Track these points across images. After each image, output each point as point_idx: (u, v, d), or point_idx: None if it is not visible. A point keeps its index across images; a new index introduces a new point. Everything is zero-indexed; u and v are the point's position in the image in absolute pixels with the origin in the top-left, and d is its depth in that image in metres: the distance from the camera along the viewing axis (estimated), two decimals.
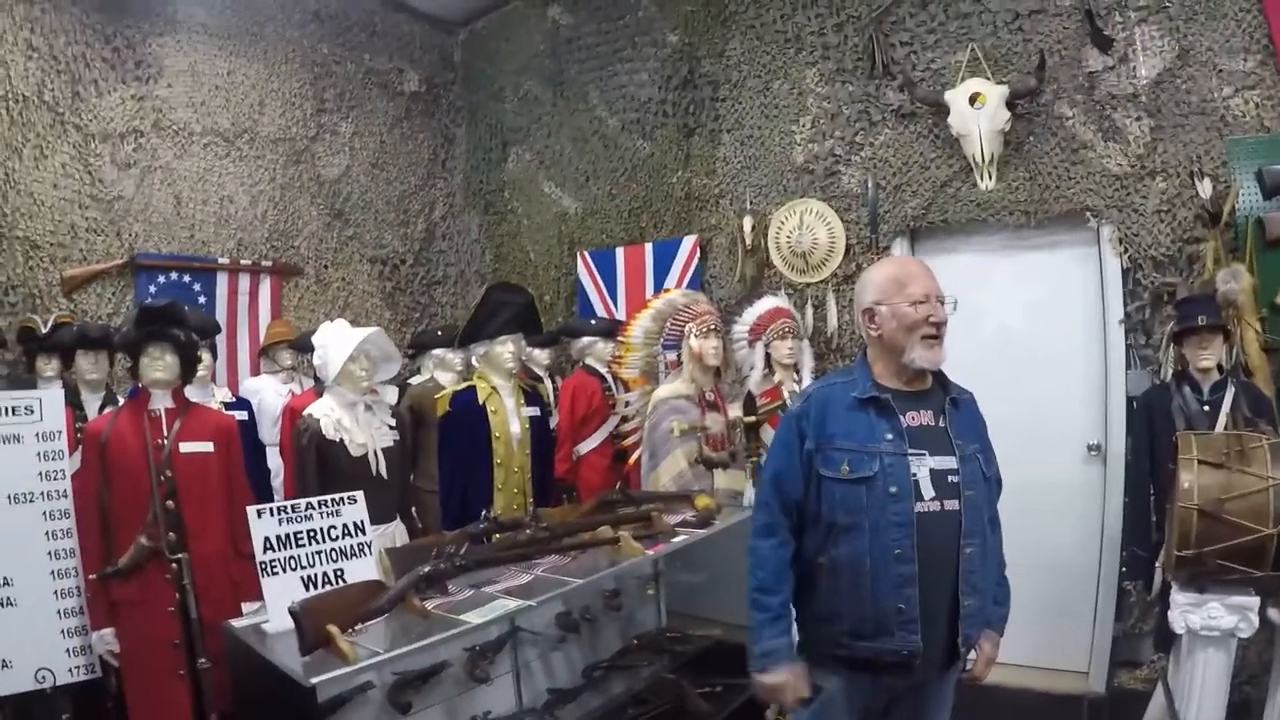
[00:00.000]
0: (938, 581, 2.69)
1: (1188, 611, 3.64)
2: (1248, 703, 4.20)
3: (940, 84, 5.67)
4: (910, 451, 2.70)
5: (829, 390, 2.87)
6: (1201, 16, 5.10)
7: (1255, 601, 3.57)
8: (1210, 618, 3.59)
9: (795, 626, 2.89)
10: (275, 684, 2.69)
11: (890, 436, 2.71)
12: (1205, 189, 4.91)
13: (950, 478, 2.73)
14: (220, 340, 6.45)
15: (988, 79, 5.45)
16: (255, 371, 6.85)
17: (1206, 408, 4.30)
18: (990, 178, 5.48)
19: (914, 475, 2.69)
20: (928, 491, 2.69)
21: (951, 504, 2.71)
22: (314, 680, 2.50)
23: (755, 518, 2.93)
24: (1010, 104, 5.34)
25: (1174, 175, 5.17)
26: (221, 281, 6.90)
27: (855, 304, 2.99)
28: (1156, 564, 4.39)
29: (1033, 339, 5.73)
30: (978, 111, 5.34)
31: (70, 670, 4.06)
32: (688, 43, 6.80)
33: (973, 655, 2.90)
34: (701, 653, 4.35)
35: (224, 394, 5.80)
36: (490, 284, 5.51)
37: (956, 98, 5.43)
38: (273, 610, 2.96)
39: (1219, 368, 4.37)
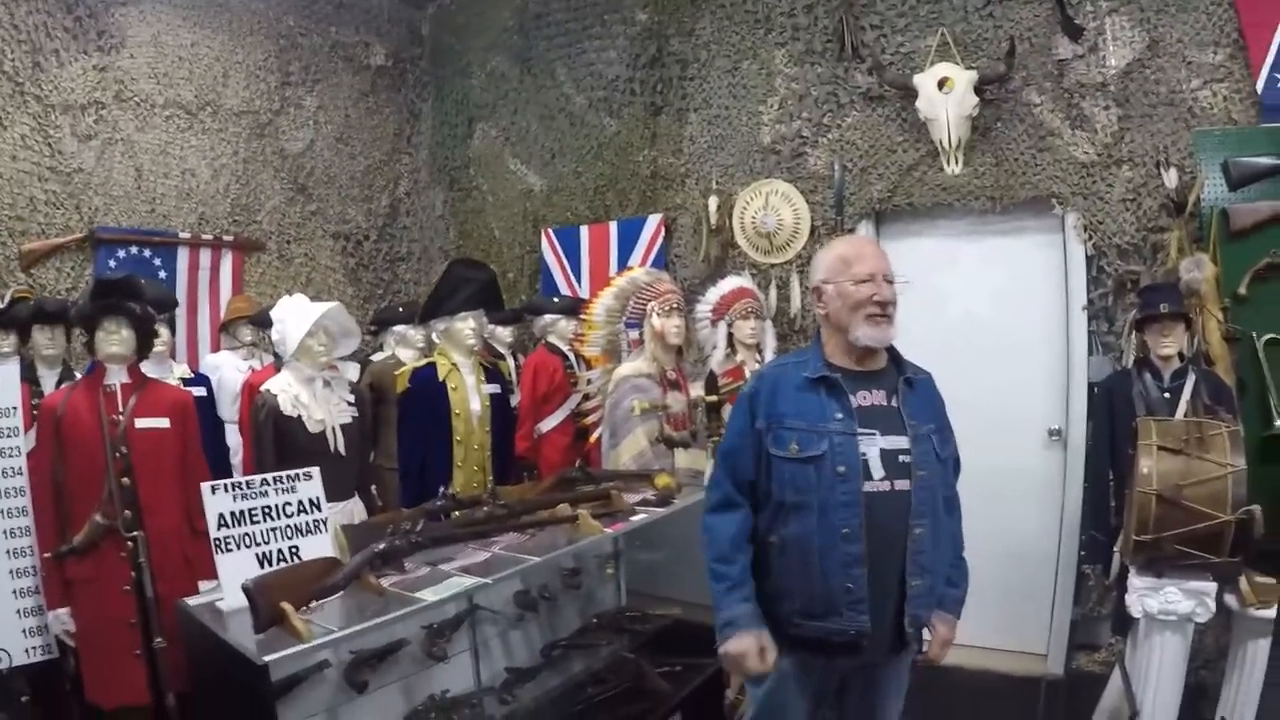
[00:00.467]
0: (887, 562, 2.70)
1: (1145, 596, 3.66)
2: (1203, 687, 4.25)
3: (909, 68, 5.67)
4: (860, 431, 2.71)
5: (781, 370, 2.90)
6: (1172, 8, 5.16)
7: (1212, 587, 3.60)
8: (1168, 602, 3.61)
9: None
10: (229, 663, 2.67)
11: (839, 416, 2.73)
12: (1171, 179, 4.98)
13: (901, 458, 2.74)
14: (180, 315, 6.45)
15: (957, 64, 5.46)
16: (215, 347, 6.75)
17: (1167, 395, 4.33)
18: (957, 162, 5.49)
19: (863, 455, 2.70)
20: (877, 471, 2.70)
21: (902, 484, 2.72)
22: (267, 659, 2.46)
23: (709, 495, 2.96)
24: (979, 90, 5.36)
25: (1140, 165, 5.23)
26: (182, 256, 6.80)
27: (809, 283, 3.00)
28: (1115, 548, 4.42)
29: (996, 324, 5.76)
30: (946, 96, 5.36)
31: (26, 651, 4.02)
32: (657, 21, 6.75)
33: (927, 637, 2.91)
34: (661, 632, 4.33)
35: (182, 370, 5.70)
36: (452, 260, 5.45)
37: (925, 82, 5.44)
38: (227, 588, 2.92)
39: (1180, 356, 4.40)
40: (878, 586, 2.68)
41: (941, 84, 5.37)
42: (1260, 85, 4.95)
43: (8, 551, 4.02)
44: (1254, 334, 4.67)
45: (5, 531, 4.02)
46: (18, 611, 4.01)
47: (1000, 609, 5.47)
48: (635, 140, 6.90)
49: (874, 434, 2.72)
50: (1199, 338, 4.60)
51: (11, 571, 4.02)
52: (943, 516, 2.84)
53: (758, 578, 2.84)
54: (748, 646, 2.72)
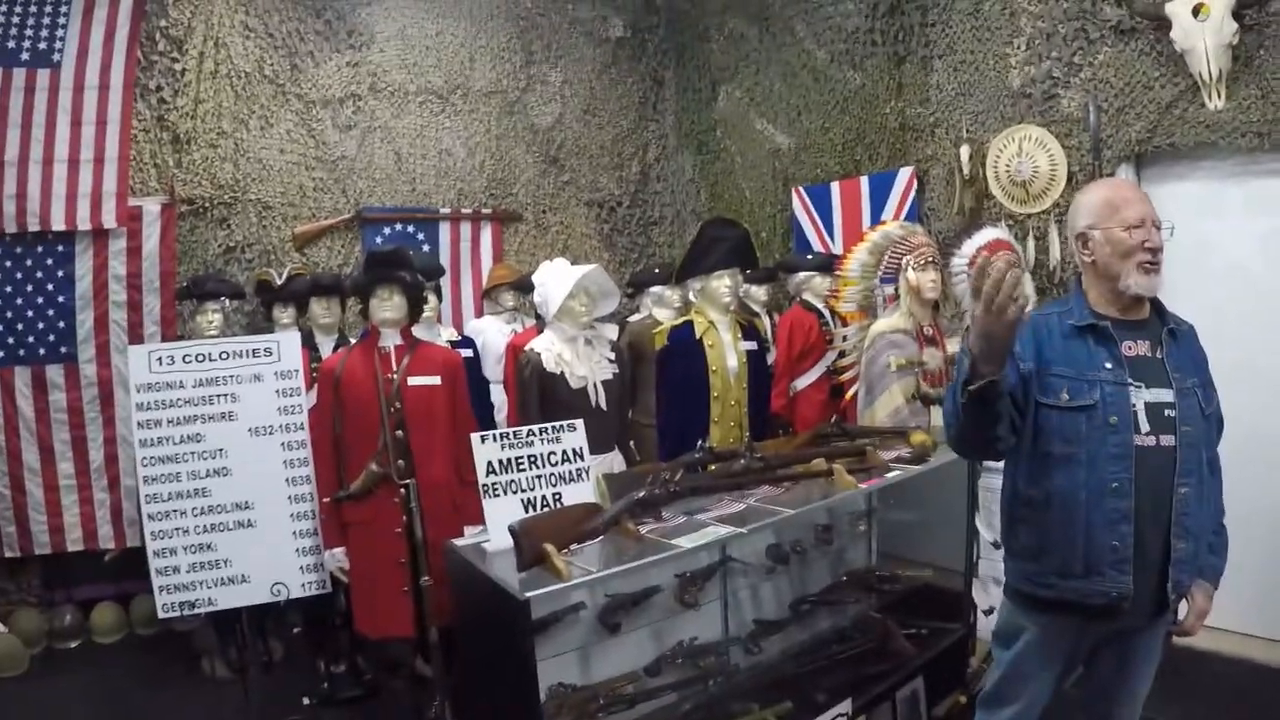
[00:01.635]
0: (1151, 521, 2.62)
1: None
2: None
3: None
4: (1129, 381, 2.64)
5: (1043, 318, 2.81)
6: None
7: None
8: None
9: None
10: (493, 599, 2.88)
11: (1109, 365, 2.66)
12: None
13: (1167, 412, 2.65)
14: (445, 283, 6.86)
15: None
16: (479, 313, 7.19)
17: None
18: (1220, 97, 5.09)
19: (1133, 405, 2.62)
20: (1143, 425, 2.62)
21: (1167, 440, 2.63)
22: (528, 594, 2.66)
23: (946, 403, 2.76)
24: (1237, 14, 4.91)
25: None
26: (444, 230, 7.38)
27: (1069, 229, 2.91)
28: None
29: (1268, 275, 5.26)
30: (1202, 24, 4.98)
31: (303, 585, 4.58)
32: None
33: (1183, 607, 2.83)
34: (909, 594, 4.35)
35: (450, 333, 6.13)
36: (705, 220, 5.55)
37: (1179, 10, 5.05)
38: (493, 530, 3.16)
39: None
40: (1141, 547, 2.62)
41: (1196, 11, 4.98)
42: None
43: (290, 497, 4.57)
44: None
45: (289, 480, 4.56)
46: (297, 550, 4.57)
47: (1264, 591, 5.00)
48: (880, 92, 6.81)
49: (1140, 386, 2.65)
50: None
51: (293, 515, 4.57)
52: (1207, 477, 2.75)
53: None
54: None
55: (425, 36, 7.27)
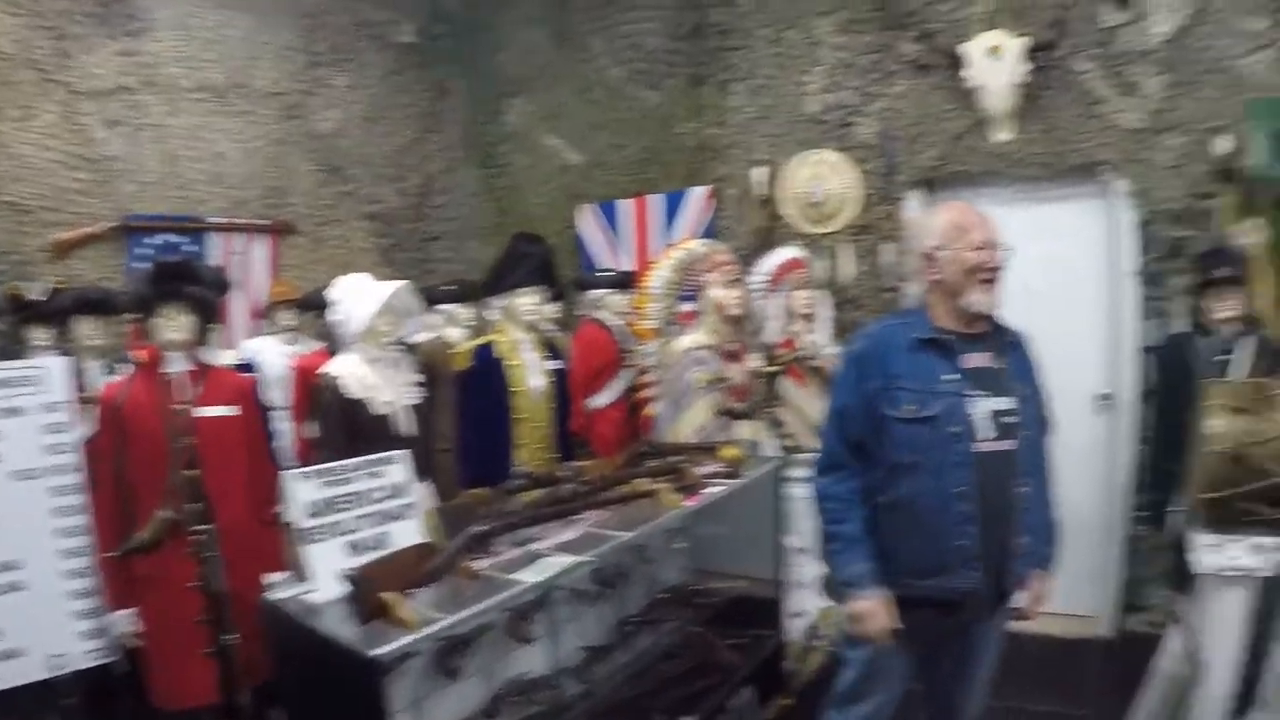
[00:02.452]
0: (994, 520, 2.82)
1: (1209, 552, 3.73)
2: (1256, 644, 4.30)
3: (957, 36, 5.65)
4: (970, 392, 2.79)
5: (888, 330, 2.98)
6: None
7: (1276, 541, 3.66)
8: (1232, 558, 3.69)
9: None
10: (330, 657, 2.63)
11: (951, 377, 2.83)
12: (1221, 146, 5.02)
13: (1007, 418, 2.85)
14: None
15: (1005, 32, 5.44)
16: (252, 334, 6.69)
17: (1227, 357, 4.40)
18: (1006, 131, 5.54)
19: (972, 415, 2.79)
20: (986, 431, 2.81)
21: (1008, 444, 2.84)
22: (377, 651, 2.44)
23: (819, 458, 3.02)
24: (1027, 57, 5.37)
25: (1188, 131, 5.24)
26: (215, 242, 6.75)
27: (913, 248, 3.05)
28: (1173, 509, 4.52)
29: (1046, 291, 5.67)
30: (995, 64, 5.38)
31: (85, 654, 3.83)
32: None
33: (1021, 595, 3.03)
34: (728, 605, 4.41)
35: (231, 356, 5.64)
36: (513, 234, 5.44)
37: (973, 50, 5.45)
38: (318, 579, 2.88)
39: (1237, 318, 4.45)
40: (987, 544, 2.79)
41: (990, 52, 5.39)
42: None
43: (63, 552, 3.79)
44: None
45: (60, 531, 3.80)
46: (74, 614, 3.81)
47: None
48: (678, 112, 6.87)
49: (981, 395, 2.82)
50: (1252, 301, 4.63)
51: (67, 572, 3.80)
52: (1042, 475, 3.01)
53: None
54: (873, 605, 2.82)
55: (206, 28, 6.71)
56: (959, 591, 2.82)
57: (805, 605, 5.40)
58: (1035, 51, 5.38)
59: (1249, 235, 4.69)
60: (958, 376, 2.83)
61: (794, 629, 4.88)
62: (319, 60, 7.36)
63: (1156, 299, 5.44)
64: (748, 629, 4.37)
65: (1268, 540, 3.65)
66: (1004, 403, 2.85)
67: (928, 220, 3.06)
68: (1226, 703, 3.83)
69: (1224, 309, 4.44)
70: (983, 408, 2.82)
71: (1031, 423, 2.94)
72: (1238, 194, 5.00)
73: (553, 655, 3.68)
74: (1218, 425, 3.69)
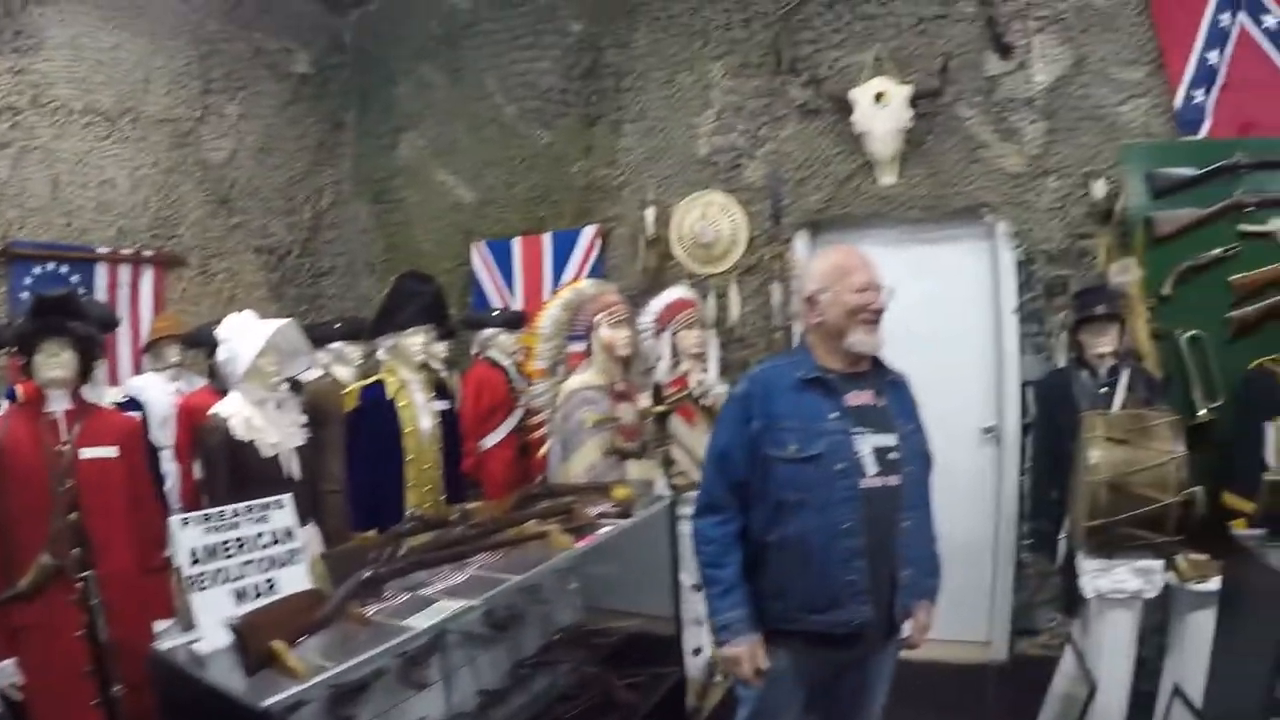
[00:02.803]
0: (881, 554, 2.85)
1: (1097, 577, 3.95)
2: (1143, 661, 4.44)
3: (845, 82, 5.81)
4: (854, 430, 2.84)
5: (772, 371, 3.00)
6: (1096, 28, 5.45)
7: (1159, 565, 3.91)
8: (1118, 582, 3.91)
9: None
10: (218, 710, 2.53)
11: (835, 415, 2.85)
12: (1099, 189, 5.25)
13: (891, 454, 2.89)
14: None
15: (892, 79, 5.62)
16: (137, 370, 6.41)
17: (1104, 390, 4.53)
18: (891, 174, 5.71)
19: (858, 453, 2.82)
20: (871, 468, 2.84)
21: (893, 479, 2.88)
22: (265, 704, 2.33)
23: (698, 498, 3.03)
24: (913, 104, 5.56)
25: (1067, 175, 5.49)
26: (101, 273, 6.40)
27: (796, 292, 3.08)
28: (1060, 535, 4.63)
29: (930, 328, 5.84)
30: (881, 110, 5.55)
31: None
32: (591, 32, 6.76)
33: (908, 625, 3.07)
34: (623, 644, 4.34)
35: (116, 393, 5.45)
36: (401, 273, 5.38)
37: (861, 96, 5.62)
38: (204, 628, 2.76)
39: (1114, 353, 4.59)
40: (875, 578, 2.82)
41: (877, 98, 5.56)
42: (1178, 101, 5.30)
43: None
44: (1177, 331, 4.97)
45: None
46: None
47: (943, 601, 5.54)
48: (570, 151, 6.90)
49: (866, 432, 2.85)
50: (1129, 336, 4.80)
51: None
52: (924, 509, 3.08)
53: (754, 576, 2.94)
54: (742, 652, 2.83)
55: (99, 49, 6.42)
56: (851, 625, 2.83)
57: (703, 641, 5.40)
58: (920, 98, 5.58)
59: (1125, 274, 4.86)
60: (841, 415, 2.86)
61: (693, 666, 4.88)
62: (212, 88, 7.13)
63: (1037, 335, 5.65)
64: (646, 667, 4.29)
65: (1151, 564, 3.87)
66: (887, 439, 2.90)
67: (810, 264, 3.12)
68: (1121, 717, 4.04)
69: (1101, 344, 4.57)
70: (867, 445, 2.85)
71: (913, 458, 2.98)
72: (1114, 235, 5.23)
73: (449, 700, 3.61)
74: (1098, 456, 3.84)
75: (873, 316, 2.89)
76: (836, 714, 3.18)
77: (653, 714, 4.10)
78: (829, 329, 2.92)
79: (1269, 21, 5.22)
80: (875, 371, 3.03)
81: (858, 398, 2.92)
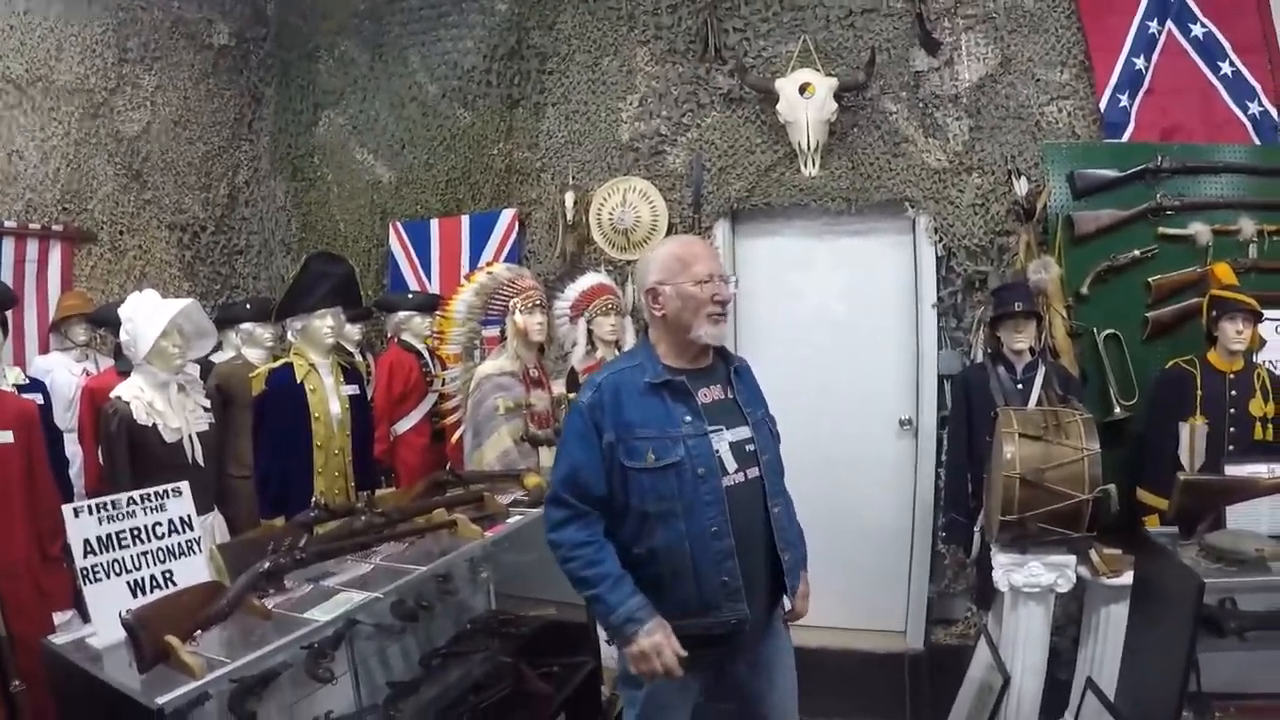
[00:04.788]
0: (752, 548, 2.79)
1: (1010, 571, 3.97)
2: (1057, 652, 4.53)
3: (771, 72, 5.82)
4: (710, 429, 2.76)
5: (618, 377, 2.84)
6: (1025, 29, 5.52)
7: (1072, 559, 3.94)
8: (1031, 575, 3.94)
9: None
10: (113, 707, 2.45)
11: (689, 419, 2.76)
12: (1021, 187, 5.32)
13: (748, 447, 2.83)
14: (7, 313, 5.90)
15: (818, 70, 5.63)
16: (44, 349, 6.20)
17: (1020, 386, 4.61)
18: (814, 165, 5.70)
19: (716, 452, 2.75)
20: (730, 465, 2.77)
21: (753, 471, 2.82)
22: (160, 701, 2.26)
23: (550, 515, 2.85)
24: (838, 96, 5.58)
25: (989, 173, 5.55)
26: (7, 248, 6.17)
27: (637, 285, 3.00)
28: (975, 528, 4.71)
29: (850, 320, 6.00)
30: (806, 101, 5.54)
31: None
32: (517, 13, 6.65)
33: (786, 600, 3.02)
34: (536, 633, 4.30)
35: (16, 375, 5.09)
36: (310, 253, 5.25)
37: (786, 86, 5.61)
38: (99, 622, 2.68)
39: (1030, 350, 4.66)
40: (750, 573, 2.76)
41: (802, 89, 5.55)
42: (1103, 104, 5.39)
43: None
44: (1095, 329, 5.06)
45: None
46: None
47: (860, 591, 5.83)
48: (490, 133, 6.80)
49: (721, 429, 2.78)
50: (1046, 333, 4.88)
51: None
52: (785, 492, 2.97)
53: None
54: (660, 639, 2.69)
55: (10, 13, 6.16)
56: (729, 624, 2.76)
57: None
58: (846, 91, 5.59)
59: (1043, 272, 4.92)
60: (694, 417, 2.77)
61: (608, 655, 4.85)
62: (129, 57, 6.88)
63: (956, 330, 5.69)
64: (560, 657, 4.30)
65: (1064, 558, 3.91)
66: (742, 432, 2.84)
67: (650, 254, 2.96)
68: (1035, 709, 4.06)
69: (1019, 341, 4.63)
70: (724, 442, 2.78)
71: (769, 445, 2.93)
72: (1034, 233, 5.27)
73: (358, 693, 3.53)
74: (1013, 451, 3.84)
75: (719, 309, 2.81)
76: (743, 699, 3.09)
77: (568, 703, 4.10)
78: (671, 322, 2.82)
79: (1196, 30, 5.38)
80: (719, 363, 2.96)
81: (708, 394, 2.84)
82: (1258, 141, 5.26)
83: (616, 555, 2.77)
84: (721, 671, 2.98)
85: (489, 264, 5.50)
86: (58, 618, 3.44)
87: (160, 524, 2.95)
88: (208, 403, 4.42)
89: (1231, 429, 4.38)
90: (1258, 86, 5.31)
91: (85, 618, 2.82)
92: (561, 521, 2.79)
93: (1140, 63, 5.36)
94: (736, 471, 2.76)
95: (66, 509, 2.79)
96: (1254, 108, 5.30)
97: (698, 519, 2.70)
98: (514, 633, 4.25)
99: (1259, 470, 3.45)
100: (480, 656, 4.17)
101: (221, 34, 7.54)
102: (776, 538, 2.82)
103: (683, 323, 2.78)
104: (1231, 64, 5.34)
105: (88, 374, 5.55)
